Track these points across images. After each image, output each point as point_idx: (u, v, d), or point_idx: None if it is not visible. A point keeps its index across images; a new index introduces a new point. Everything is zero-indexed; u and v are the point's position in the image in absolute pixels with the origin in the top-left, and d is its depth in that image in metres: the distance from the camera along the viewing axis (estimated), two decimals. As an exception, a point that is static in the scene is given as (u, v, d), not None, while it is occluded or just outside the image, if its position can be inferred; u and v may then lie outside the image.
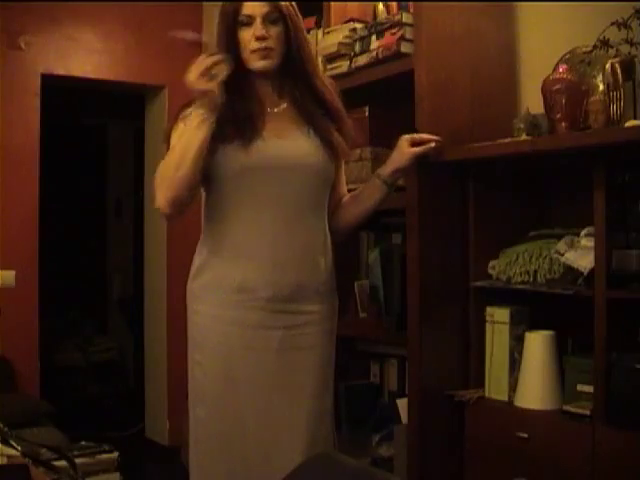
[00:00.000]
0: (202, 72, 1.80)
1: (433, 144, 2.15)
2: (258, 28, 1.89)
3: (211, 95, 1.82)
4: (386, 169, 2.12)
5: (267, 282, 1.91)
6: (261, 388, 1.93)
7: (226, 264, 1.94)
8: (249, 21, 1.91)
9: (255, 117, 1.92)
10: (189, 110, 1.93)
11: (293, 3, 1.98)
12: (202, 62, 1.81)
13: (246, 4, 1.91)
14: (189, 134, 1.85)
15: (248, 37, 1.91)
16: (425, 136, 2.17)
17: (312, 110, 1.99)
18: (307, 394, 1.95)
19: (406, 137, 2.14)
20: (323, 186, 2.01)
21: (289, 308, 1.94)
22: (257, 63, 1.93)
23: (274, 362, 1.93)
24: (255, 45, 1.90)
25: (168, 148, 1.95)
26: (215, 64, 1.81)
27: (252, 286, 1.91)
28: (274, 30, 1.91)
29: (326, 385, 2.01)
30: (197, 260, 2.00)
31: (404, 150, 2.12)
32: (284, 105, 2.00)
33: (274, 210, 1.93)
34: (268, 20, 1.91)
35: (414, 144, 2.14)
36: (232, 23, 1.92)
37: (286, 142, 1.94)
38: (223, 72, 1.81)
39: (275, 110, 1.98)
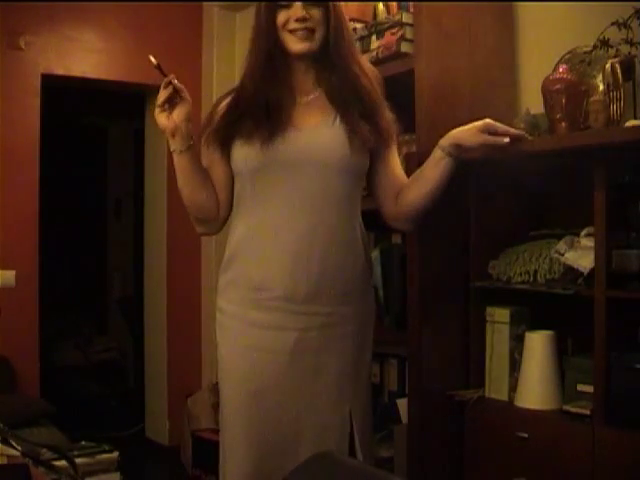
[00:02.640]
0: (159, 105, 1.85)
1: (507, 139, 1.95)
2: (298, 9, 1.83)
3: (170, 130, 1.86)
4: (448, 139, 1.95)
5: (285, 281, 1.85)
6: (271, 391, 1.87)
7: (247, 261, 1.90)
8: (289, 4, 1.84)
9: (281, 110, 1.87)
10: (223, 104, 1.96)
11: None
12: (159, 96, 1.85)
13: None
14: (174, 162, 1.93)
15: (287, 17, 1.84)
16: (511, 131, 1.98)
17: (345, 98, 1.89)
18: (319, 402, 1.87)
19: (487, 120, 1.96)
20: (349, 179, 1.90)
21: (307, 309, 1.87)
22: (296, 45, 1.86)
23: (287, 365, 1.87)
24: (294, 25, 1.84)
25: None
26: (167, 94, 1.84)
27: (270, 285, 1.86)
28: (315, 11, 1.84)
29: (344, 394, 1.90)
30: (226, 253, 1.97)
31: (476, 132, 1.94)
32: (316, 93, 1.93)
33: (294, 206, 1.86)
34: (309, 2, 1.84)
35: (490, 132, 1.95)
36: (272, 4, 1.86)
37: (306, 134, 1.87)
38: (168, 94, 1.84)
39: (305, 99, 1.92)
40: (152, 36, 4.29)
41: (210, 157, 1.97)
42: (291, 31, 1.85)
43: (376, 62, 2.54)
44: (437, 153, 1.97)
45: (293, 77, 1.92)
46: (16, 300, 3.88)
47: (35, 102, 3.98)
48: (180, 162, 1.91)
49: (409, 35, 2.43)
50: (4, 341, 3.81)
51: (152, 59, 1.84)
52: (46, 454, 1.84)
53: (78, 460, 2.30)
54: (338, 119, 1.89)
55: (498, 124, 1.97)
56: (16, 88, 3.94)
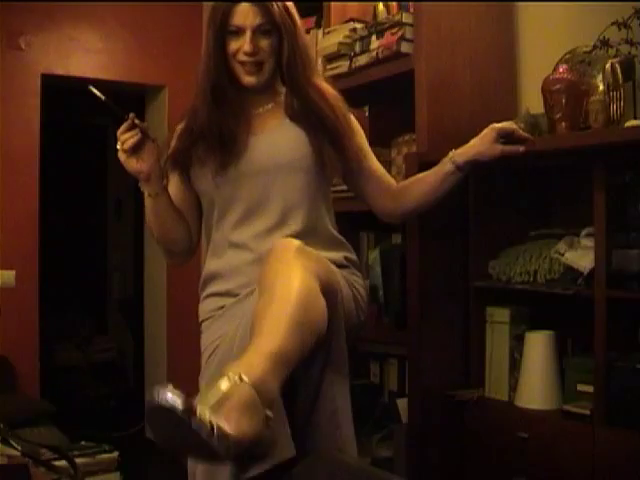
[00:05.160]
0: (124, 150, 1.75)
1: (522, 149, 1.91)
2: (247, 43, 1.80)
3: (145, 175, 1.79)
4: (464, 156, 1.93)
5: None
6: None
7: (213, 283, 1.89)
8: (239, 31, 1.81)
9: (235, 141, 1.83)
10: (179, 127, 1.92)
11: (291, 4, 1.88)
12: (120, 139, 1.75)
13: (237, 14, 1.81)
14: (145, 203, 1.87)
15: (236, 47, 1.83)
16: (519, 133, 1.94)
17: (310, 123, 1.86)
18: None
19: (496, 127, 1.92)
20: (313, 175, 1.86)
21: None
22: (245, 78, 1.85)
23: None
24: (243, 58, 1.82)
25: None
26: (130, 137, 1.74)
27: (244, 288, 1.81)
28: (265, 42, 1.82)
29: None
30: (202, 273, 1.96)
31: (492, 144, 1.91)
32: (272, 104, 1.92)
33: (258, 210, 1.84)
34: (259, 31, 1.81)
35: (502, 136, 1.92)
36: (220, 31, 1.83)
37: (263, 138, 1.85)
38: (138, 138, 1.74)
39: (259, 110, 1.91)
40: (152, 36, 4.29)
41: (171, 180, 1.92)
42: (240, 62, 1.84)
43: (376, 62, 2.55)
44: (448, 167, 1.95)
45: (246, 95, 1.90)
46: (16, 300, 3.88)
47: (35, 102, 3.98)
48: (156, 205, 1.85)
49: (409, 35, 2.43)
50: (4, 341, 3.81)
51: (96, 92, 1.72)
52: (46, 454, 1.84)
53: (78, 460, 2.30)
54: (292, 123, 1.87)
55: (505, 125, 1.95)
56: (16, 88, 3.93)
